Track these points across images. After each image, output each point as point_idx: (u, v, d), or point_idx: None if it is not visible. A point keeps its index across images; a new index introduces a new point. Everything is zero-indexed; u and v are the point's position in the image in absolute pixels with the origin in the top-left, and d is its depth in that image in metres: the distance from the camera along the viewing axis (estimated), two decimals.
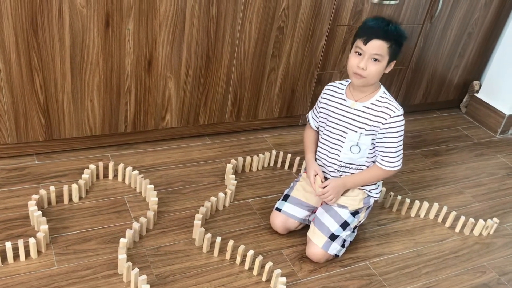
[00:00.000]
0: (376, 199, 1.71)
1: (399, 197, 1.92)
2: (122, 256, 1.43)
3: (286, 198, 1.70)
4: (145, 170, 1.89)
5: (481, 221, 1.86)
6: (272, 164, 2.07)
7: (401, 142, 1.58)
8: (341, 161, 1.63)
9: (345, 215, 1.62)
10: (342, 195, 1.65)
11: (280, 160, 2.07)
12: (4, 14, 1.52)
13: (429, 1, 2.27)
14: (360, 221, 1.67)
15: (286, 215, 1.66)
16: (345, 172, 1.65)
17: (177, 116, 2.01)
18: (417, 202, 1.91)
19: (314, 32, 2.07)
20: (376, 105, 1.57)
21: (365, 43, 1.48)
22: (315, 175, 1.65)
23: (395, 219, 1.89)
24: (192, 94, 1.98)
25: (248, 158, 1.99)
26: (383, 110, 1.55)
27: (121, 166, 1.80)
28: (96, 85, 1.78)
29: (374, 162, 1.63)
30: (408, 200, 1.92)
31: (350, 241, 1.66)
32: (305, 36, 2.06)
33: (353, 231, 1.66)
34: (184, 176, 1.90)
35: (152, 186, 1.72)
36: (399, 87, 2.51)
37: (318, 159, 1.71)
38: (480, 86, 2.74)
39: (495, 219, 1.90)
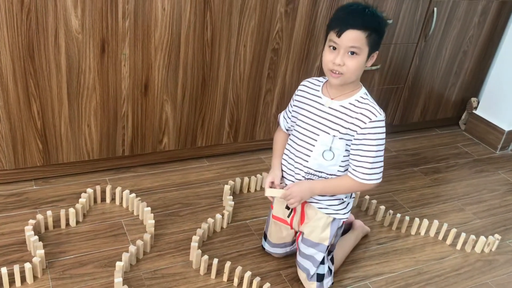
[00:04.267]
0: (344, 219, 1.52)
1: (398, 215, 1.90)
2: (118, 279, 1.42)
3: (265, 236, 1.66)
4: (142, 193, 1.89)
5: (482, 238, 1.84)
6: None
7: (381, 153, 1.38)
8: (309, 168, 1.44)
9: (320, 256, 1.50)
10: (304, 223, 1.51)
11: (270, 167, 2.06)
12: (1, 41, 1.55)
13: (423, 20, 2.30)
14: (331, 243, 1.54)
15: (269, 252, 1.66)
16: None
17: (174, 138, 2.02)
18: (417, 220, 1.89)
19: (309, 53, 2.10)
20: (354, 105, 1.37)
21: (339, 35, 1.28)
22: (270, 184, 1.48)
23: (395, 237, 1.87)
24: (189, 117, 2.00)
25: (246, 179, 1.99)
26: (363, 112, 1.35)
27: (118, 189, 1.80)
28: (93, 109, 1.80)
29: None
30: (407, 218, 1.90)
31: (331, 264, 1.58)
32: (300, 57, 2.09)
33: (329, 254, 1.56)
34: (181, 198, 1.90)
35: (149, 208, 1.71)
36: (396, 106, 2.52)
37: (283, 165, 1.52)
38: (478, 103, 2.74)
39: (496, 235, 1.88)
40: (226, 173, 2.10)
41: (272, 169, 1.54)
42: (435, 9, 2.28)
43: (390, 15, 2.19)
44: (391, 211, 1.91)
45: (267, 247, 1.66)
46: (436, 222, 1.88)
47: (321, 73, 2.18)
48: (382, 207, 1.93)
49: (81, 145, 1.85)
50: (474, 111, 2.74)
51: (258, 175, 2.02)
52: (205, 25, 1.83)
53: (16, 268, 1.41)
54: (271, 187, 1.49)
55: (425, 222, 1.89)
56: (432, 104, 2.64)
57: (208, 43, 1.87)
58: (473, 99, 2.75)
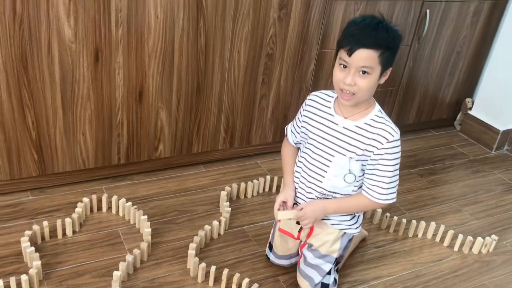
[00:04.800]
0: (356, 233, 1.52)
1: (395, 218, 1.90)
2: None
3: (271, 246, 1.62)
4: (139, 201, 1.89)
5: (479, 239, 1.84)
6: (267, 189, 2.07)
7: (397, 172, 1.35)
8: (322, 188, 1.41)
9: (327, 267, 1.48)
10: (313, 236, 1.48)
11: (275, 185, 2.06)
12: None
13: (416, 22, 2.31)
14: (340, 255, 1.52)
15: (274, 263, 1.63)
16: None
17: (170, 145, 2.02)
18: (414, 222, 1.90)
19: (302, 58, 2.10)
20: (370, 125, 1.32)
21: (350, 54, 1.22)
22: (281, 204, 1.43)
23: (393, 240, 1.87)
24: (184, 123, 2.00)
25: (243, 185, 1.98)
26: (379, 133, 1.31)
27: (114, 198, 1.79)
28: (87, 118, 1.79)
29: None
30: (405, 221, 1.90)
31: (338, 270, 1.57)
32: (294, 61, 2.09)
33: (336, 265, 1.54)
34: (178, 206, 1.89)
35: (145, 217, 1.71)
36: (391, 108, 2.52)
37: (295, 182, 1.48)
38: (473, 103, 2.75)
39: (493, 236, 1.88)
40: (223, 179, 2.09)
41: (284, 188, 1.49)
42: (428, 11, 2.29)
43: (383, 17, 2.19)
44: (388, 214, 1.91)
45: (272, 258, 1.63)
46: (433, 224, 1.88)
47: (315, 78, 2.18)
48: (379, 210, 1.93)
49: (77, 154, 1.85)
50: (469, 112, 2.75)
51: (255, 180, 2.02)
52: (199, 31, 1.83)
53: (13, 280, 1.41)
54: (283, 208, 1.45)
55: (422, 224, 1.89)
56: (427, 105, 2.64)
57: (202, 49, 1.87)
58: (467, 99, 2.75)
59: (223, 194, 1.90)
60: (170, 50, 1.81)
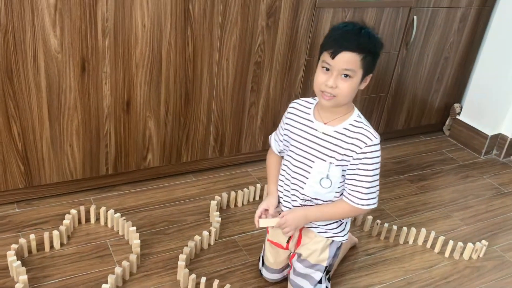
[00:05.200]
0: (344, 241, 1.52)
1: (386, 225, 1.90)
2: None
3: (263, 261, 1.60)
4: (127, 212, 1.87)
5: (470, 245, 1.84)
6: (257, 198, 2.05)
7: (377, 177, 1.36)
8: (304, 195, 1.42)
9: (318, 276, 1.48)
10: (302, 245, 1.48)
11: (265, 194, 2.05)
12: None
13: (403, 28, 2.32)
14: (330, 263, 1.52)
15: (267, 278, 1.61)
16: None
17: (158, 155, 2.00)
18: (405, 229, 1.89)
19: (291, 65, 2.10)
20: (349, 130, 1.34)
21: (333, 56, 1.24)
22: (263, 212, 1.43)
23: (384, 247, 1.87)
24: (173, 132, 1.98)
25: (233, 194, 1.97)
26: (358, 137, 1.33)
27: (103, 209, 1.77)
28: (75, 129, 1.77)
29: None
30: (395, 227, 1.90)
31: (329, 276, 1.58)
32: (283, 69, 2.09)
33: (327, 274, 1.55)
34: (167, 216, 1.88)
35: (134, 228, 1.69)
36: (380, 114, 2.53)
37: (280, 191, 1.49)
38: (461, 108, 2.77)
39: (483, 241, 1.89)
40: (213, 188, 2.08)
41: (268, 196, 1.50)
42: (415, 17, 2.30)
43: (371, 24, 2.20)
44: (378, 221, 1.91)
45: (265, 273, 1.60)
46: (424, 231, 1.88)
47: (304, 85, 2.18)
48: (370, 217, 1.92)
49: (64, 165, 1.83)
50: (457, 117, 2.76)
51: (245, 189, 2.01)
52: (187, 40, 1.82)
53: None
54: (265, 216, 1.45)
55: (413, 230, 1.89)
56: (416, 111, 2.65)
57: (190, 58, 1.86)
58: (456, 104, 2.77)
59: (213, 203, 1.88)
60: (158, 59, 1.80)
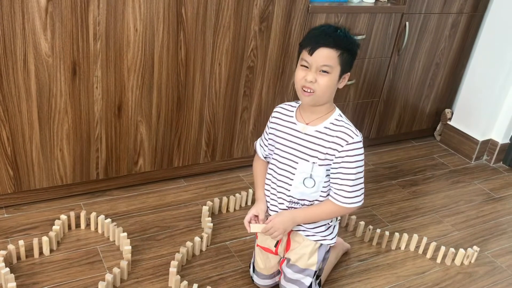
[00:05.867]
0: (332, 244, 1.51)
1: (378, 230, 1.90)
2: None
3: (254, 268, 1.59)
4: (118, 217, 1.85)
5: (461, 250, 1.85)
6: (249, 203, 2.04)
7: (361, 175, 1.37)
8: (291, 197, 1.42)
9: (307, 281, 1.48)
10: (291, 250, 1.48)
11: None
12: None
13: (395, 34, 2.33)
14: (320, 268, 1.52)
15: (259, 284, 1.60)
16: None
17: (150, 160, 1.98)
18: (397, 235, 1.89)
19: (284, 70, 2.09)
20: (330, 129, 1.36)
21: (311, 53, 1.28)
22: (253, 218, 1.43)
23: (376, 253, 1.86)
24: (165, 137, 1.97)
25: (225, 199, 1.96)
26: (339, 135, 1.34)
27: (93, 214, 1.75)
28: (65, 133, 1.75)
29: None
30: (387, 233, 1.90)
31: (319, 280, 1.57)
32: (275, 74, 2.08)
33: (317, 279, 1.53)
34: (158, 222, 1.86)
35: (125, 234, 1.67)
36: (372, 119, 2.53)
37: (267, 196, 1.50)
38: (452, 114, 2.78)
39: (475, 247, 1.89)
40: (204, 193, 2.06)
41: (256, 202, 1.50)
42: (407, 23, 2.31)
43: (363, 30, 2.21)
44: (370, 227, 1.91)
45: (256, 279, 1.59)
46: (416, 236, 1.89)
47: None
48: (362, 223, 1.92)
49: (54, 170, 1.80)
50: (448, 122, 2.78)
51: (237, 194, 1.99)
52: (179, 44, 1.81)
53: None
54: (255, 222, 1.44)
55: (405, 236, 1.89)
56: (407, 116, 2.66)
57: (182, 62, 1.85)
58: (447, 110, 2.78)
59: (205, 209, 1.87)
60: (150, 63, 1.79)
